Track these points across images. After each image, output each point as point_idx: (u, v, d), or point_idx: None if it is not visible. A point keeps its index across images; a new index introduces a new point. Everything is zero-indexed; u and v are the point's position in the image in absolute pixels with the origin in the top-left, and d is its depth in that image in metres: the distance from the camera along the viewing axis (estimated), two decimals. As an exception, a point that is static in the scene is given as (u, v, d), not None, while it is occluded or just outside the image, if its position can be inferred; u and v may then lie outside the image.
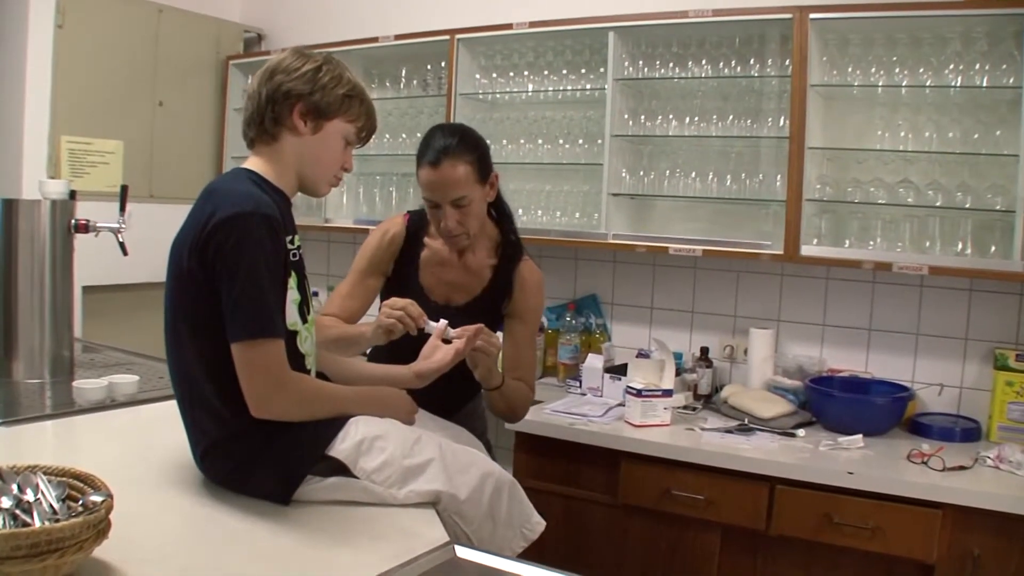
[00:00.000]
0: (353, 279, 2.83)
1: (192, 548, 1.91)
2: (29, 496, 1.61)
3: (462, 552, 1.93)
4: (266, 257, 2.05)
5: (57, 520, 1.56)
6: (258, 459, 2.11)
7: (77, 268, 3.45)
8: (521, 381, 2.81)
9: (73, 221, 3.36)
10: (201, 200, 2.15)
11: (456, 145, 2.64)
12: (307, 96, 2.20)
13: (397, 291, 2.73)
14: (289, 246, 2.15)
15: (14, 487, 1.62)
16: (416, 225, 2.84)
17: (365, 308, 2.79)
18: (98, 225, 3.39)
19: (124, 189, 3.48)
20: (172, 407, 2.26)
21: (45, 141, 4.43)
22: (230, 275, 2.02)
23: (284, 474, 2.10)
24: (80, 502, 1.65)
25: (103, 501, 1.61)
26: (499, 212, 2.88)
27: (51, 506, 1.61)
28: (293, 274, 2.16)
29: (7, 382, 3.26)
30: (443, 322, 2.50)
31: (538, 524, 2.36)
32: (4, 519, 1.55)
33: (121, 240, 3.44)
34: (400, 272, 2.82)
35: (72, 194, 3.43)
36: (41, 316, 3.32)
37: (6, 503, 1.57)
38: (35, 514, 1.57)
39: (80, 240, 3.42)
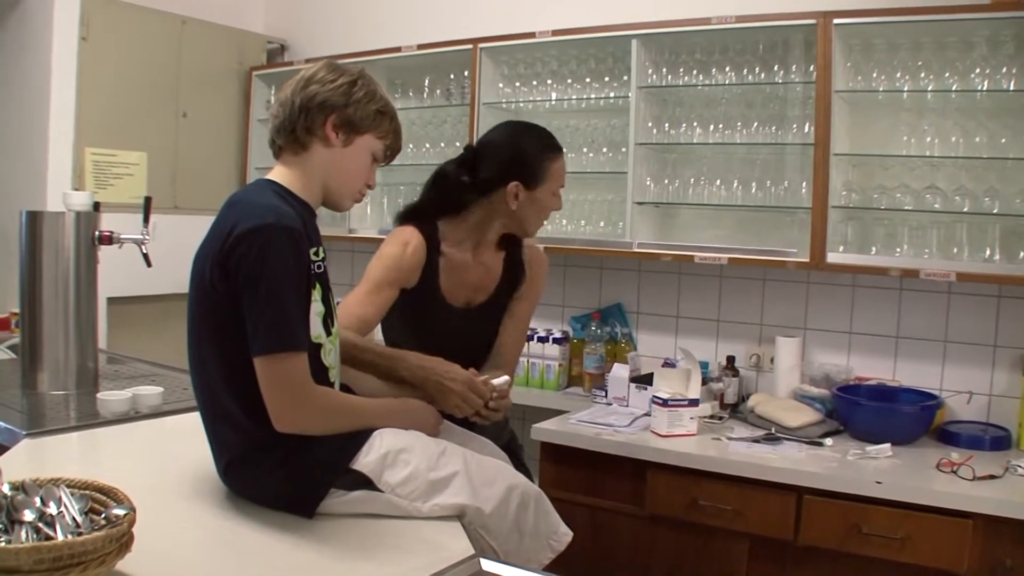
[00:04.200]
0: (368, 288, 2.69)
1: (215, 562, 1.90)
2: (52, 509, 1.60)
3: (488, 565, 1.92)
4: (288, 269, 2.04)
5: (80, 533, 1.56)
6: (281, 472, 2.11)
7: (102, 279, 3.47)
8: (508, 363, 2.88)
9: (97, 233, 3.37)
10: (224, 212, 2.15)
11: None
12: (341, 108, 2.21)
13: (420, 300, 2.75)
14: (313, 258, 2.15)
15: (37, 500, 1.61)
16: (431, 236, 2.78)
17: (379, 319, 2.72)
18: (122, 237, 3.40)
19: (148, 201, 3.49)
20: (196, 419, 2.26)
21: (70, 153, 4.45)
22: (252, 288, 2.01)
23: (308, 487, 2.10)
24: (103, 515, 1.65)
25: (126, 514, 1.61)
26: None
27: (74, 519, 1.61)
28: (317, 286, 2.16)
29: (32, 393, 3.27)
30: (505, 378, 2.54)
31: (565, 535, 2.34)
32: (27, 532, 1.54)
33: (145, 251, 3.44)
34: (423, 282, 2.77)
35: (96, 206, 3.44)
36: (66, 327, 3.33)
37: (29, 516, 1.57)
38: (58, 527, 1.57)
39: (105, 251, 3.43)
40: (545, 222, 2.88)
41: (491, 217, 2.79)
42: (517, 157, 2.76)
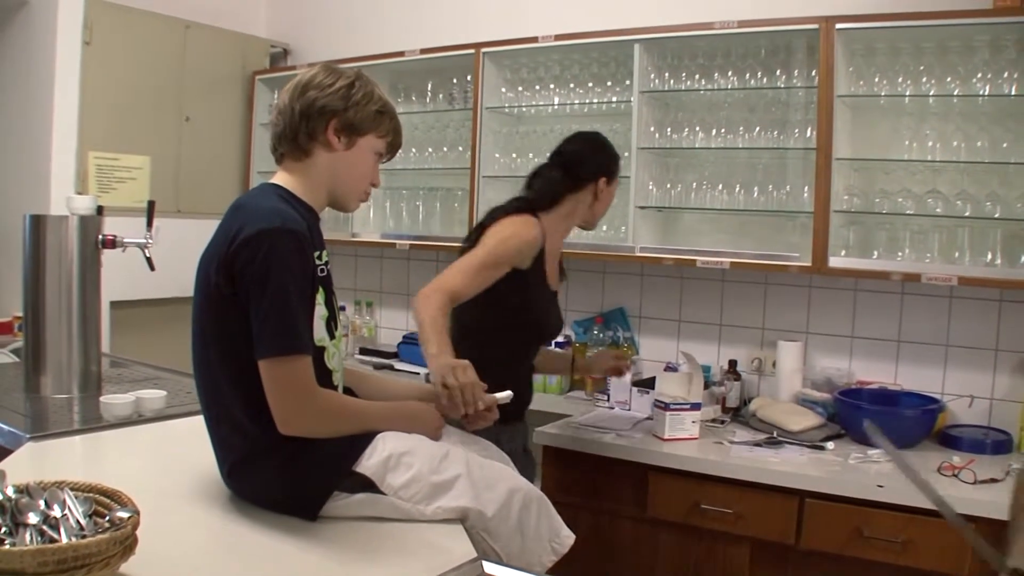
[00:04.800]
0: (484, 262, 2.86)
1: (218, 565, 1.91)
2: (56, 512, 1.61)
3: (490, 568, 1.92)
4: (293, 273, 2.05)
5: (84, 536, 1.56)
6: (285, 475, 2.11)
7: (105, 283, 3.47)
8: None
9: (100, 237, 3.37)
10: (229, 216, 2.16)
11: None
12: (341, 112, 2.22)
13: (532, 279, 3.00)
14: (317, 261, 2.16)
15: (41, 503, 1.62)
16: (540, 227, 3.03)
17: (471, 295, 2.82)
18: (125, 240, 3.41)
19: (151, 205, 3.49)
20: (199, 422, 2.26)
21: (73, 157, 4.45)
22: (257, 291, 2.02)
23: (311, 490, 2.10)
24: (107, 518, 1.65)
25: (130, 517, 1.61)
26: None
27: (78, 522, 1.61)
28: (321, 289, 2.16)
29: (36, 397, 3.28)
30: (508, 393, 2.56)
31: (567, 538, 2.35)
32: (31, 535, 1.55)
33: (148, 255, 3.45)
34: (536, 265, 3.01)
35: (99, 209, 3.45)
36: (69, 331, 3.33)
37: (33, 519, 1.57)
38: (62, 530, 1.57)
39: (108, 255, 3.44)
40: None
41: (576, 210, 3.13)
42: (609, 155, 3.20)
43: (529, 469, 3.15)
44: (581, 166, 3.11)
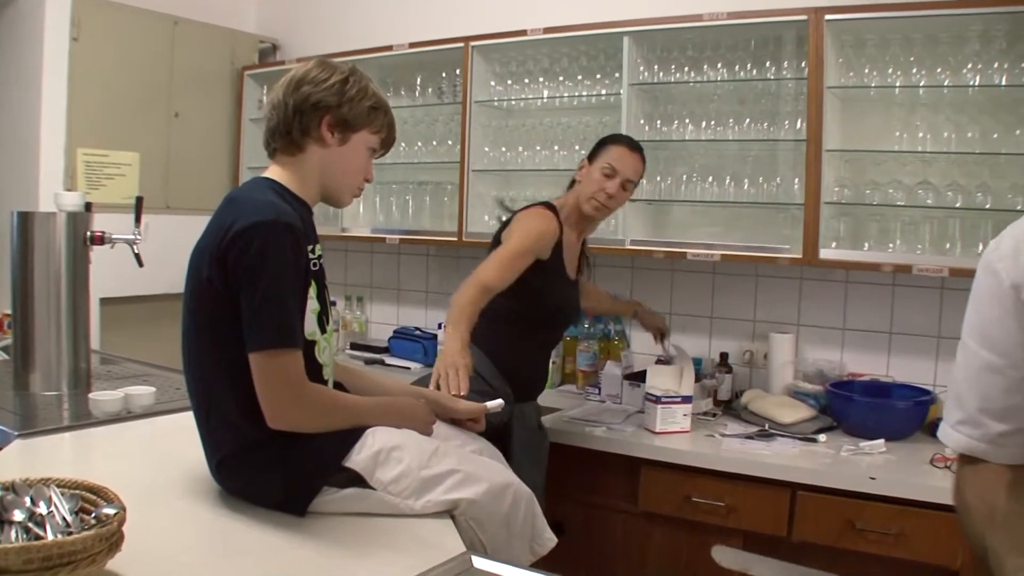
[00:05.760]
0: (514, 253, 3.04)
1: (207, 560, 1.90)
2: (42, 509, 1.61)
3: (479, 563, 1.92)
4: (286, 266, 2.05)
5: (70, 533, 1.56)
6: (274, 470, 2.11)
7: (96, 280, 3.47)
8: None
9: (88, 233, 3.36)
10: (221, 209, 2.16)
11: (642, 148, 3.31)
12: (335, 108, 2.21)
13: (552, 270, 3.17)
14: (310, 255, 2.15)
15: (27, 500, 1.61)
16: (558, 217, 3.22)
17: (505, 285, 2.99)
18: (113, 237, 3.40)
19: (139, 201, 3.48)
20: (189, 418, 2.26)
21: (61, 154, 4.43)
22: (250, 284, 2.01)
23: (300, 485, 2.10)
24: (93, 515, 1.64)
25: (116, 514, 1.61)
26: None
27: (64, 519, 1.60)
28: (313, 284, 2.16)
29: (25, 394, 3.27)
30: (499, 402, 2.68)
31: (549, 540, 2.36)
32: (17, 532, 1.54)
33: (136, 251, 3.44)
34: (554, 254, 3.17)
35: (87, 206, 3.44)
36: (58, 328, 3.33)
37: (19, 516, 1.57)
38: (48, 527, 1.57)
39: (98, 252, 3.43)
40: (602, 200, 3.20)
41: (575, 199, 3.25)
42: (598, 143, 3.34)
43: (543, 443, 3.29)
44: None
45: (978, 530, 1.59)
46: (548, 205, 3.26)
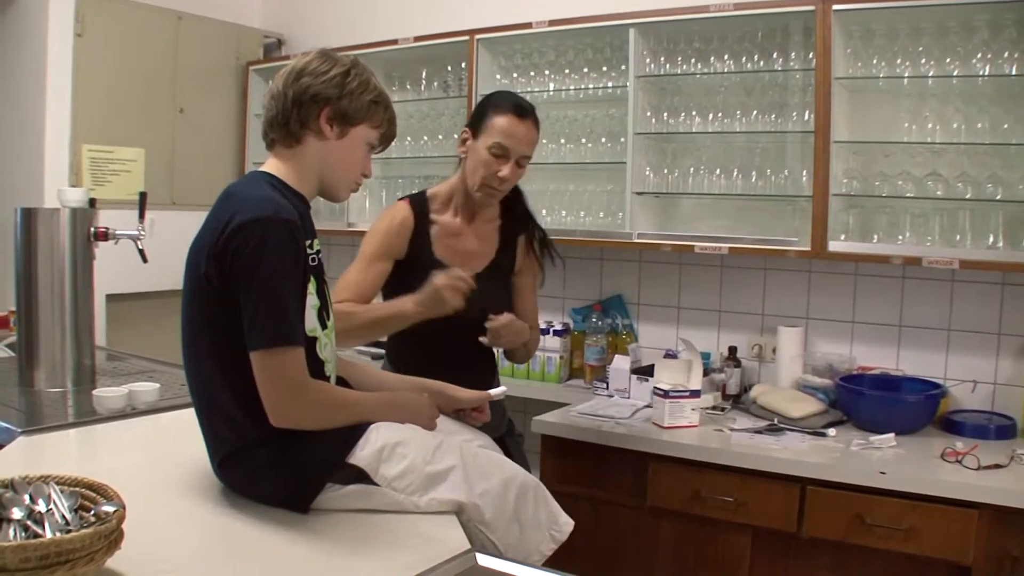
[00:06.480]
0: (362, 264, 2.89)
1: (208, 558, 1.89)
2: (41, 507, 1.59)
3: (483, 560, 1.90)
4: (285, 263, 2.02)
5: (69, 531, 1.54)
6: (277, 467, 2.09)
7: (102, 277, 3.47)
8: (532, 328, 3.08)
9: (93, 229, 3.35)
10: (219, 204, 2.14)
11: (534, 111, 2.88)
12: (335, 101, 2.19)
13: (413, 269, 2.84)
14: (309, 251, 2.13)
15: (26, 498, 1.60)
16: (420, 206, 2.97)
17: (376, 291, 2.88)
18: (117, 233, 3.39)
19: (143, 196, 3.48)
20: (192, 415, 2.24)
21: (66, 150, 4.44)
22: (249, 281, 1.99)
23: (303, 482, 2.08)
24: (92, 512, 1.63)
25: (115, 511, 1.59)
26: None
27: (63, 516, 1.59)
28: (312, 279, 2.14)
29: (29, 391, 3.27)
30: (502, 388, 2.65)
31: (567, 524, 2.32)
32: (15, 530, 1.53)
33: (140, 247, 3.44)
34: (414, 252, 2.91)
35: (92, 202, 3.43)
36: (62, 325, 3.32)
37: (17, 514, 1.56)
38: (46, 525, 1.55)
39: (105, 248, 3.42)
40: (494, 185, 2.86)
41: (463, 177, 2.93)
42: (479, 107, 2.94)
43: (519, 448, 3.13)
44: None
45: None
46: (412, 196, 3.00)
